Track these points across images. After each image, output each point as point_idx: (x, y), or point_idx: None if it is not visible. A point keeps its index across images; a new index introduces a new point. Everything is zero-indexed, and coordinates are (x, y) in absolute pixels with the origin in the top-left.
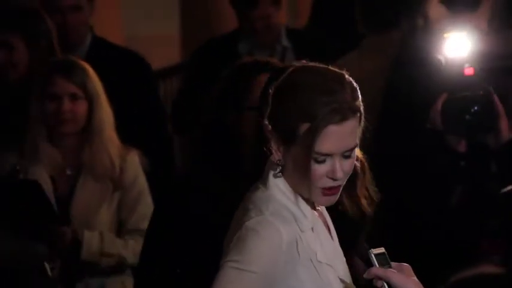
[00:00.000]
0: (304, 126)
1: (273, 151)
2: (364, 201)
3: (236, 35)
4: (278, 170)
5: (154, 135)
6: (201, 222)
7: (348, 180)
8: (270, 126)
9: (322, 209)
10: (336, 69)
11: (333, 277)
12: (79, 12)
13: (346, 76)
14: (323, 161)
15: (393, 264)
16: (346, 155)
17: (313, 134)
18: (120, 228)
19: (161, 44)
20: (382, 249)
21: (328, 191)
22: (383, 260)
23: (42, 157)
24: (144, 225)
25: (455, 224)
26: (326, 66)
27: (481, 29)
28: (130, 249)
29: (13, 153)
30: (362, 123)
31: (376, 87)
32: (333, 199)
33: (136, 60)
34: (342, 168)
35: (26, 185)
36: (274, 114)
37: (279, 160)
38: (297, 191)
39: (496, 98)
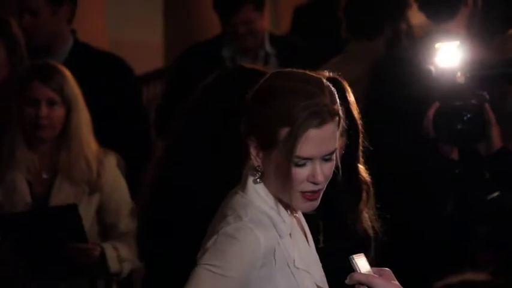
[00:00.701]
0: (284, 131)
1: (252, 157)
2: (368, 222)
3: (219, 40)
4: (257, 176)
5: (136, 139)
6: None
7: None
8: (248, 132)
9: (300, 215)
10: (314, 74)
11: (310, 283)
12: (36, 16)
13: (324, 80)
14: (303, 165)
15: (374, 269)
16: (326, 158)
17: (293, 138)
18: (110, 232)
19: (145, 49)
20: (362, 255)
21: (309, 196)
22: (364, 265)
23: (19, 162)
24: (126, 227)
25: (450, 232)
26: (304, 71)
27: (460, 35)
28: (135, 252)
29: None
30: (341, 126)
31: (361, 92)
32: (315, 204)
33: (118, 64)
34: (323, 172)
35: (64, 210)
36: (253, 120)
37: (258, 166)
38: (277, 196)
39: (487, 106)
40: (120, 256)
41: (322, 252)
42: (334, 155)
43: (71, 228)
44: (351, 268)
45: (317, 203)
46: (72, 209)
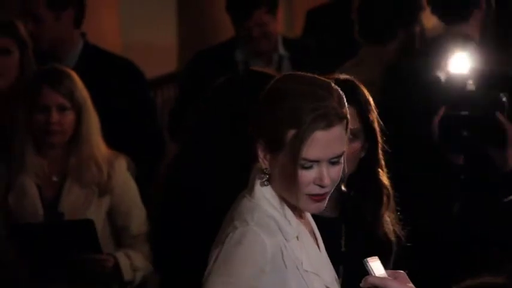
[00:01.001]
0: (291, 133)
1: (260, 160)
2: (390, 226)
3: (232, 43)
4: (265, 178)
5: (148, 142)
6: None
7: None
8: (256, 134)
9: (309, 218)
10: (323, 77)
11: (319, 286)
12: (38, 23)
13: (333, 84)
14: (310, 168)
15: (388, 272)
16: (333, 161)
17: (300, 140)
18: (121, 235)
19: (158, 52)
20: (376, 258)
21: (316, 197)
22: (378, 268)
23: (29, 167)
24: (145, 228)
25: (458, 234)
26: (312, 75)
27: (474, 39)
28: (147, 257)
29: (0, 164)
30: (348, 130)
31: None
32: (322, 206)
33: (129, 66)
34: (329, 175)
35: (80, 224)
36: (261, 122)
37: (266, 169)
38: (284, 198)
39: (499, 115)
40: (133, 265)
41: (344, 256)
42: (342, 158)
43: (87, 242)
44: (366, 271)
45: (324, 204)
46: (88, 224)
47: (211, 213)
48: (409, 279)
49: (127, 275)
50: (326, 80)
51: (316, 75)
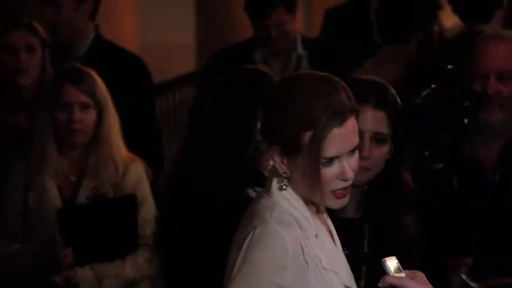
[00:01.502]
0: (307, 135)
1: (276, 165)
2: (412, 228)
3: (251, 43)
4: (284, 182)
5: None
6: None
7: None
8: (270, 140)
9: (325, 217)
10: (322, 73)
11: (338, 283)
12: (58, 11)
13: (335, 77)
14: (331, 164)
15: (406, 272)
16: (351, 152)
17: (319, 140)
18: None
19: (177, 52)
20: (394, 258)
21: (340, 193)
22: (396, 268)
23: (50, 167)
24: (146, 230)
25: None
26: (311, 72)
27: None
28: (129, 264)
29: (22, 163)
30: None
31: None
32: (346, 200)
33: (137, 62)
34: (350, 167)
35: (123, 201)
36: (273, 128)
37: (285, 173)
38: (307, 198)
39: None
40: (97, 274)
41: (367, 256)
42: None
43: (127, 219)
44: (384, 271)
45: (347, 199)
46: (130, 200)
47: (217, 211)
48: (427, 280)
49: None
50: (327, 74)
51: (314, 72)
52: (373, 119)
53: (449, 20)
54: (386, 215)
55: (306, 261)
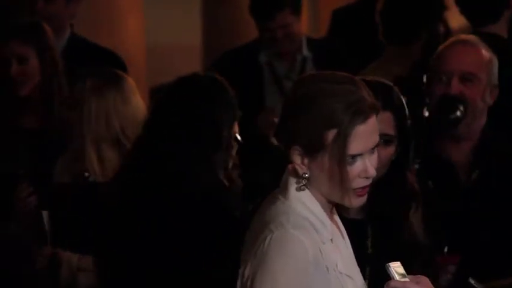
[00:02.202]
0: (331, 133)
1: (296, 166)
2: (416, 230)
3: (256, 45)
4: (303, 183)
5: None
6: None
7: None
8: (290, 141)
9: (338, 219)
10: (341, 72)
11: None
12: (50, 3)
13: (355, 77)
14: (354, 162)
15: (411, 276)
16: (372, 150)
17: (343, 138)
18: None
19: (183, 53)
20: (398, 263)
21: (360, 191)
22: (401, 273)
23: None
24: None
25: None
26: (332, 72)
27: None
28: None
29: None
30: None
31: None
32: (364, 199)
33: (113, 59)
34: (372, 165)
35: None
36: (294, 128)
37: (305, 173)
38: (327, 199)
39: None
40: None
41: (370, 257)
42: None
43: None
44: (389, 276)
45: (366, 197)
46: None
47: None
48: (431, 284)
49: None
50: (346, 74)
51: (333, 72)
52: (380, 120)
53: (456, 20)
54: (390, 215)
55: (326, 265)
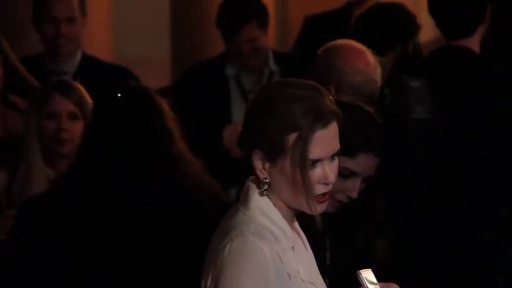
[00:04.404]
0: (292, 137)
1: (257, 171)
2: (376, 243)
3: (223, 59)
4: (264, 188)
5: None
6: None
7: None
8: (251, 145)
9: (298, 227)
10: (309, 81)
11: None
12: (73, 25)
13: (320, 86)
14: (314, 168)
15: (381, 284)
16: (332, 158)
17: (304, 141)
18: None
19: (151, 66)
20: (369, 270)
21: (321, 198)
22: (371, 280)
23: (36, 177)
24: None
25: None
26: (298, 79)
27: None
28: None
29: (4, 171)
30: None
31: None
32: (325, 206)
33: (125, 75)
34: (332, 172)
35: None
36: (255, 132)
37: (265, 178)
38: (289, 205)
39: None
40: None
41: (330, 269)
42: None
43: None
44: (358, 283)
45: (326, 205)
46: None
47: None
48: None
49: None
50: (312, 82)
51: (300, 79)
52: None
53: (426, 34)
54: (351, 228)
55: (287, 272)
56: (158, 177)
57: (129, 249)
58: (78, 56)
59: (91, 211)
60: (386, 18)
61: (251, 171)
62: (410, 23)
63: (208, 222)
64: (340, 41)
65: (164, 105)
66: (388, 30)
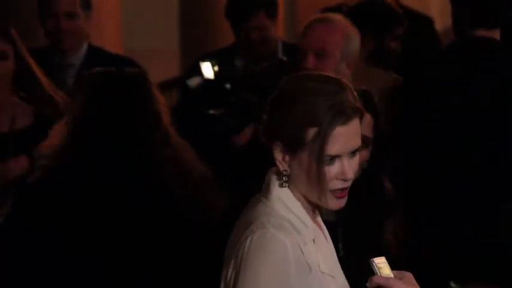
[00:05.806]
0: (311, 131)
1: (277, 162)
2: (391, 234)
3: (233, 49)
4: (284, 179)
5: None
6: None
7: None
8: (272, 137)
9: (320, 221)
10: (330, 74)
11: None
12: (74, 20)
13: (343, 79)
14: (332, 163)
15: (395, 272)
16: (353, 154)
17: (322, 137)
18: None
19: (161, 57)
20: (383, 258)
21: (339, 193)
22: (384, 269)
23: None
24: None
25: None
26: (321, 73)
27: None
28: None
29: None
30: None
31: None
32: (344, 202)
33: (131, 66)
34: (351, 168)
35: None
36: (276, 124)
37: (285, 170)
38: (304, 199)
39: None
40: None
41: (342, 261)
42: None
43: None
44: (372, 271)
45: (345, 200)
46: None
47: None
48: (415, 281)
49: None
50: (335, 76)
51: (322, 73)
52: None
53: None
54: (364, 220)
55: (308, 264)
56: (138, 164)
57: (119, 239)
58: (84, 48)
59: (83, 201)
60: (359, 11)
61: (251, 162)
62: (385, 18)
63: (187, 210)
64: None
65: (154, 89)
66: (358, 24)
